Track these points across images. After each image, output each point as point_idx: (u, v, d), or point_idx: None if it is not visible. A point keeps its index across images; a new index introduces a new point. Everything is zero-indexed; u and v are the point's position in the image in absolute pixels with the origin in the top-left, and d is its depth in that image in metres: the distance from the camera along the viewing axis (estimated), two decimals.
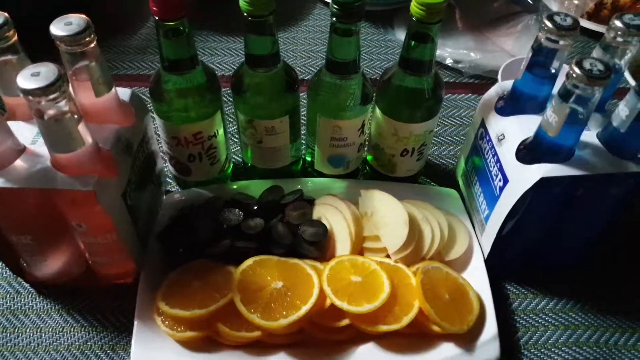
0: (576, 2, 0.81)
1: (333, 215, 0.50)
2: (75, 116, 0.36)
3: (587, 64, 0.38)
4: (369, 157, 0.58)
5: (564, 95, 0.39)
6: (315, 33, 0.79)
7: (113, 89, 0.43)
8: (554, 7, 0.81)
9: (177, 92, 0.47)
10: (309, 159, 0.58)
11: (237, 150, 0.60)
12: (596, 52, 0.44)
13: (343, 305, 0.42)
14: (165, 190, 0.56)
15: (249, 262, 0.45)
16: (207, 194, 0.53)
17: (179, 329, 0.43)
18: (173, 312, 0.42)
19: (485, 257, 0.50)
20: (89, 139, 0.38)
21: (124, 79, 0.70)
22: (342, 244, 0.49)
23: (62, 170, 0.39)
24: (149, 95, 0.49)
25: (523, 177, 0.43)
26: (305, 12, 0.83)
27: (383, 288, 0.44)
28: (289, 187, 0.53)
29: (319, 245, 0.48)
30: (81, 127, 0.37)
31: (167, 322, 0.43)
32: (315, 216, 0.50)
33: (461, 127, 0.67)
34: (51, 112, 0.35)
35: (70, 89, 0.39)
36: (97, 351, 0.45)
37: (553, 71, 0.45)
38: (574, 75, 0.38)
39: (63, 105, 0.35)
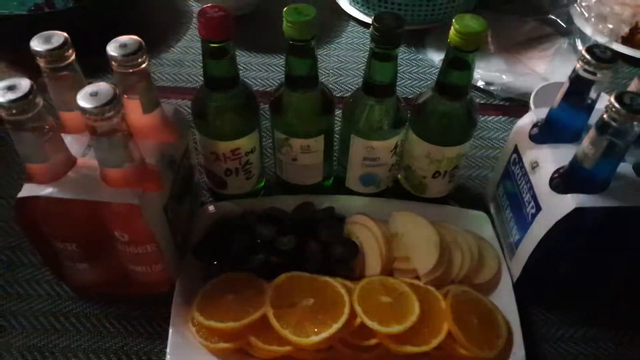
0: (610, 26, 0.80)
1: (364, 234, 0.51)
2: (126, 133, 0.38)
3: (627, 99, 0.38)
4: (400, 177, 0.59)
5: (602, 127, 0.39)
6: (347, 50, 0.81)
7: (159, 107, 0.45)
8: (588, 31, 0.81)
9: (218, 110, 0.49)
10: (340, 175, 0.59)
11: (270, 164, 0.62)
12: (635, 85, 0.44)
13: (374, 325, 0.43)
14: (200, 202, 0.58)
15: (282, 278, 0.46)
16: (241, 208, 0.54)
17: (213, 340, 0.44)
18: (208, 323, 0.44)
19: (514, 281, 0.50)
20: (136, 155, 0.40)
21: (161, 91, 0.73)
22: (372, 264, 0.49)
23: (109, 184, 0.41)
24: (189, 110, 0.51)
25: (557, 205, 0.44)
26: (337, 29, 0.84)
27: (413, 310, 0.44)
28: (320, 203, 0.55)
29: (349, 264, 0.49)
30: (131, 144, 0.39)
31: (201, 333, 0.45)
32: (346, 234, 0.51)
33: (492, 149, 0.67)
34: (105, 129, 0.37)
35: None
36: (132, 356, 0.47)
37: (590, 102, 0.46)
38: (613, 109, 0.38)
39: (116, 123, 0.37)
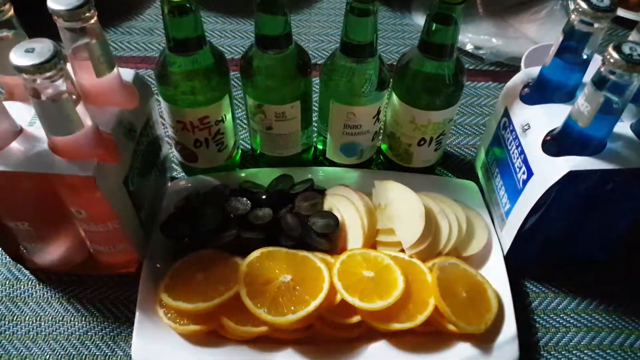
0: None
1: (345, 206, 0.48)
2: (73, 96, 0.34)
3: (626, 48, 0.35)
4: (383, 147, 0.55)
5: (599, 82, 0.36)
6: (329, 16, 0.76)
7: (115, 70, 0.40)
8: None
9: (183, 74, 0.45)
10: (320, 147, 0.56)
11: (245, 137, 0.58)
12: (633, 37, 0.41)
13: (354, 301, 0.40)
14: (171, 177, 0.54)
15: (256, 253, 0.43)
16: (214, 182, 0.51)
17: (182, 322, 0.41)
18: (176, 305, 0.41)
19: (505, 253, 0.47)
20: (88, 122, 0.36)
21: (130, 61, 0.68)
22: (354, 237, 0.46)
23: (60, 154, 0.37)
24: (154, 78, 0.47)
25: (549, 170, 0.41)
26: None
27: (397, 284, 0.42)
28: (299, 176, 0.51)
29: (329, 238, 0.46)
30: (80, 109, 0.35)
31: (169, 315, 0.41)
32: (326, 207, 0.48)
33: (481, 116, 0.64)
34: (47, 91, 0.33)
35: (70, 68, 0.37)
36: (97, 342, 0.43)
37: (585, 58, 0.42)
38: (612, 60, 0.34)
39: (60, 84, 0.33)
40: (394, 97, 0.49)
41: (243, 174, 0.52)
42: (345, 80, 0.46)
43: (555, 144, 0.42)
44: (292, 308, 0.40)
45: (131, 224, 0.43)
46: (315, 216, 0.46)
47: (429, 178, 0.53)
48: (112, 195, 0.39)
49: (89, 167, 0.37)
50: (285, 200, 0.48)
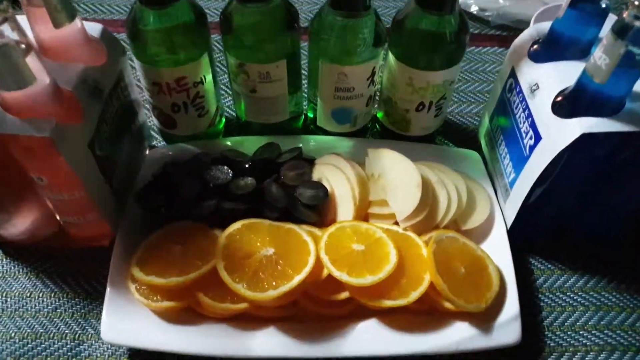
0: None
1: (335, 176, 0.44)
2: (22, 45, 0.30)
3: None
4: (379, 114, 0.51)
5: (621, 30, 0.32)
6: None
7: (77, 21, 0.36)
8: None
9: (156, 30, 0.41)
10: (311, 115, 0.52)
11: (230, 105, 0.54)
12: None
13: (342, 276, 0.37)
14: (150, 146, 0.50)
15: (236, 225, 0.40)
16: (194, 150, 0.47)
17: (154, 298, 0.38)
18: (148, 280, 0.37)
19: (509, 227, 0.44)
20: (43, 76, 0.33)
21: (112, 25, 0.64)
22: (345, 209, 0.43)
23: (12, 112, 0.33)
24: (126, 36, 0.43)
25: (560, 133, 0.37)
26: None
27: (389, 258, 0.38)
28: (288, 144, 0.47)
29: (317, 209, 0.43)
30: (31, 60, 0.31)
31: (141, 290, 0.38)
32: (315, 177, 0.44)
33: (485, 83, 0.59)
34: None
35: (21, 18, 0.33)
36: (67, 319, 0.40)
37: (602, 9, 0.38)
38: (637, 2, 0.30)
39: (3, 29, 0.29)
40: (390, 56, 0.45)
41: (227, 142, 0.48)
42: (335, 37, 0.42)
43: (567, 104, 0.37)
44: (274, 283, 0.36)
45: (100, 192, 0.39)
46: (302, 186, 0.43)
47: (428, 147, 0.49)
48: (75, 160, 0.35)
49: (45, 127, 0.33)
50: (271, 169, 0.45)
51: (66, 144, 0.34)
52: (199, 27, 0.42)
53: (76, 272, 0.43)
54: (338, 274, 0.37)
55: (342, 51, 0.43)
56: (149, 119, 0.50)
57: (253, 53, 0.43)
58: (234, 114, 0.53)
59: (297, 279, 0.36)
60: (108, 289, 0.39)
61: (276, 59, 0.43)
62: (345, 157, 0.45)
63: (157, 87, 0.44)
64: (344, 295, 0.38)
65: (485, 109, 0.50)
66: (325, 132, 0.50)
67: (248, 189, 0.42)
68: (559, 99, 0.38)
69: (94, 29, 0.40)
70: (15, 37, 0.30)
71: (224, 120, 0.52)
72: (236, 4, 0.41)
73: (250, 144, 0.48)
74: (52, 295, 0.42)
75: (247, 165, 0.44)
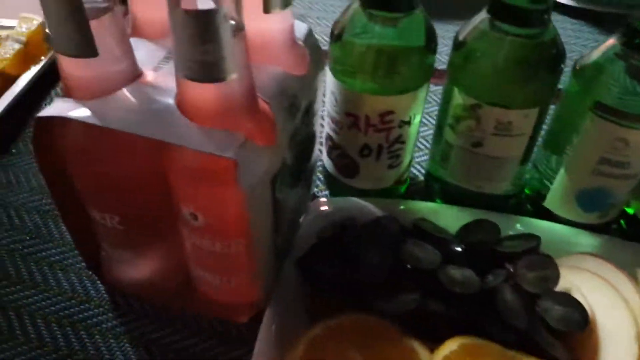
0: None
1: (599, 292, 0.28)
2: (233, 22, 0.20)
3: None
4: (632, 208, 0.36)
5: None
6: None
7: (289, 11, 0.26)
8: None
9: (378, 45, 0.30)
10: (528, 191, 0.37)
11: (422, 160, 0.42)
12: None
13: None
14: (311, 195, 0.39)
15: (452, 345, 0.25)
16: (374, 210, 0.34)
17: None
18: None
19: None
20: (246, 71, 0.22)
21: None
22: (616, 350, 0.27)
23: (190, 115, 0.22)
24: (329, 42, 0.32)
25: None
26: None
27: None
28: (503, 225, 0.33)
29: (565, 338, 0.27)
30: (240, 43, 0.21)
31: None
32: (561, 286, 0.29)
33: None
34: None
35: None
36: None
37: None
38: None
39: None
40: None
41: (419, 207, 0.35)
42: (621, 79, 0.29)
43: None
44: None
45: (264, 248, 0.27)
46: (547, 298, 0.28)
47: None
48: (253, 197, 0.24)
49: (230, 143, 0.22)
50: (488, 259, 0.30)
51: (249, 173, 0.23)
52: (429, 48, 0.31)
53: (198, 351, 0.30)
54: None
55: (624, 102, 0.29)
56: (319, 160, 0.39)
57: (498, 93, 0.30)
58: (417, 172, 0.41)
59: None
60: None
61: (527, 105, 0.30)
62: (619, 268, 0.29)
63: (351, 119, 0.33)
64: None
65: None
66: (552, 218, 0.36)
67: (471, 288, 0.27)
68: None
69: (298, 28, 0.29)
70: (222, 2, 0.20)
71: (409, 180, 0.39)
72: (488, 23, 0.30)
73: (447, 217, 0.34)
74: None
75: (457, 248, 0.31)
